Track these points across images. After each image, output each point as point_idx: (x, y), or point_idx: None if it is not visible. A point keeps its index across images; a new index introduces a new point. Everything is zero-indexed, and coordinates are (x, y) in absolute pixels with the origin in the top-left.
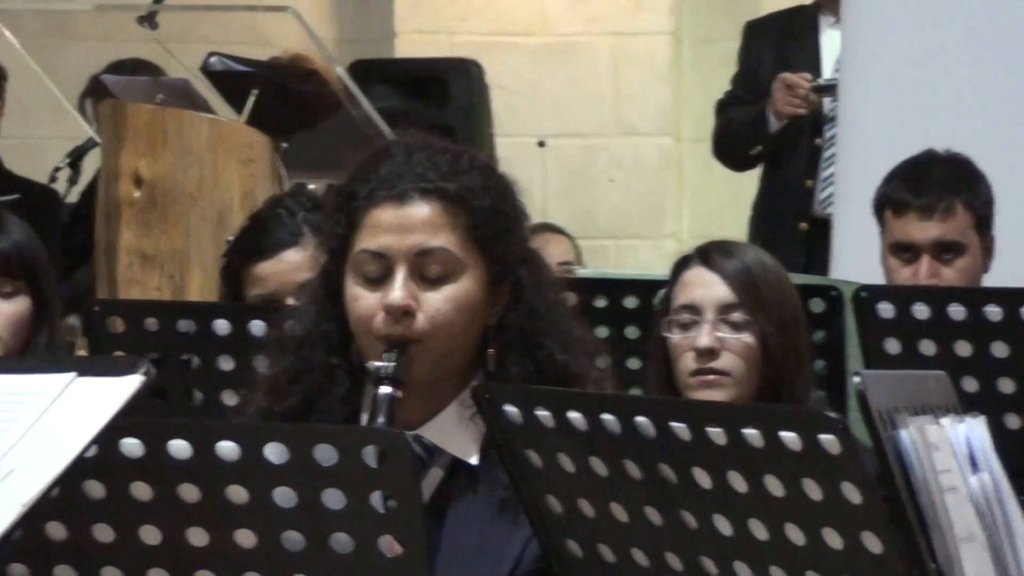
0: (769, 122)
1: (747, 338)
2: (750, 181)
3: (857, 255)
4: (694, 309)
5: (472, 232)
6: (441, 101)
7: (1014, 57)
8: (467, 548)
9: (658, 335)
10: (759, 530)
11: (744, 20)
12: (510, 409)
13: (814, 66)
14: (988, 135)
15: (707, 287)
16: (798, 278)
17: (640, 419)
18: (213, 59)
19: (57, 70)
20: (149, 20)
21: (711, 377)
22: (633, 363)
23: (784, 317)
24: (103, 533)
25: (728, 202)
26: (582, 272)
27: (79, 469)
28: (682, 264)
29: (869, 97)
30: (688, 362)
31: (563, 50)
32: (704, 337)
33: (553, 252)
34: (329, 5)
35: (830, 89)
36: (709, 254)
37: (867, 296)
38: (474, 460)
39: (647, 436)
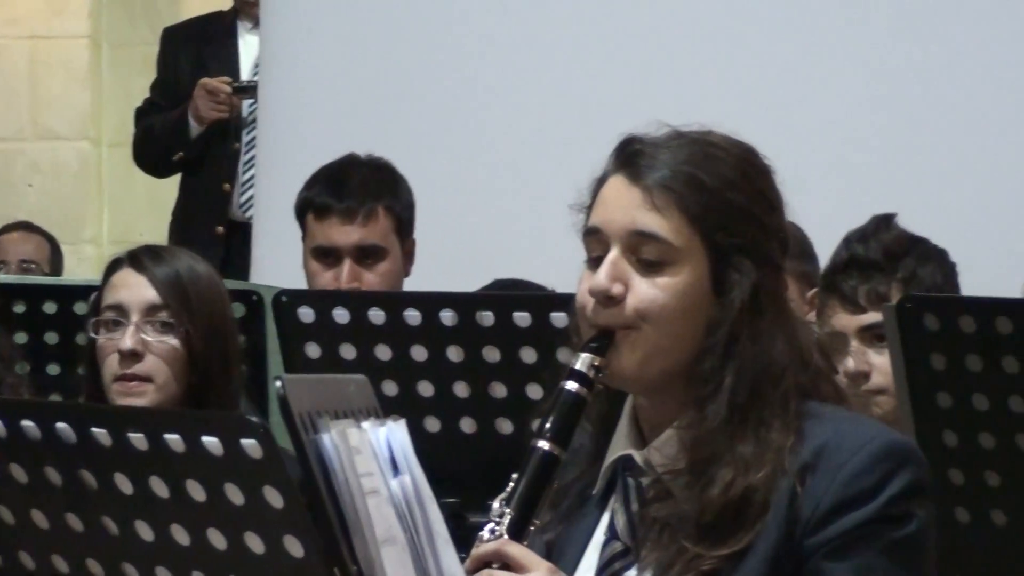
0: (190, 127)
1: (172, 340)
2: (171, 186)
3: (278, 259)
4: (120, 310)
5: None
6: None
7: (481, 62)
8: None
9: (89, 338)
10: (181, 535)
11: (163, 25)
12: None
13: (233, 71)
14: (408, 139)
15: (133, 289)
16: None
17: (60, 425)
18: None
19: None
20: None
21: (132, 384)
22: (53, 369)
23: (214, 322)
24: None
25: (148, 207)
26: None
27: None
28: (112, 267)
29: (288, 101)
30: (113, 365)
31: None
32: (128, 339)
33: (19, 251)
34: None
35: (251, 90)
36: (138, 257)
37: (287, 301)
38: None
39: (67, 442)
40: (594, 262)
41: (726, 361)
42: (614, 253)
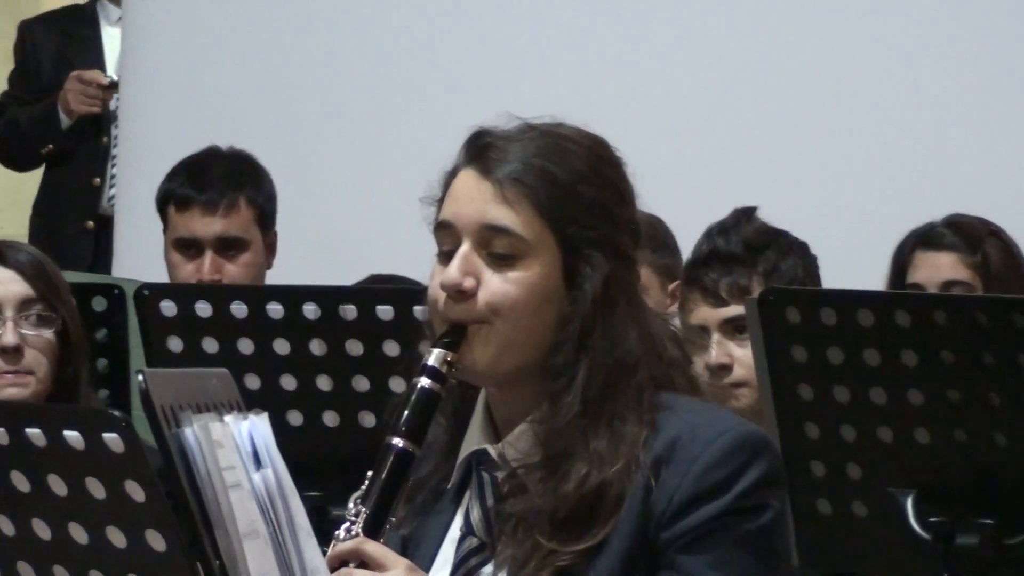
0: (60, 119)
1: (47, 333)
2: (32, 180)
3: (140, 253)
4: None
5: None
6: None
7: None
8: None
9: None
10: (42, 529)
11: (22, 17)
12: None
13: (97, 63)
14: (270, 132)
15: (5, 284)
16: (83, 276)
17: None
18: None
19: None
20: None
21: (14, 377)
22: None
23: (76, 314)
24: None
25: (8, 201)
26: None
27: None
28: None
29: (150, 94)
30: None
31: None
32: (8, 335)
33: None
34: None
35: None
36: (2, 251)
37: (149, 294)
38: None
39: None
40: (445, 256)
41: (579, 355)
42: (465, 247)
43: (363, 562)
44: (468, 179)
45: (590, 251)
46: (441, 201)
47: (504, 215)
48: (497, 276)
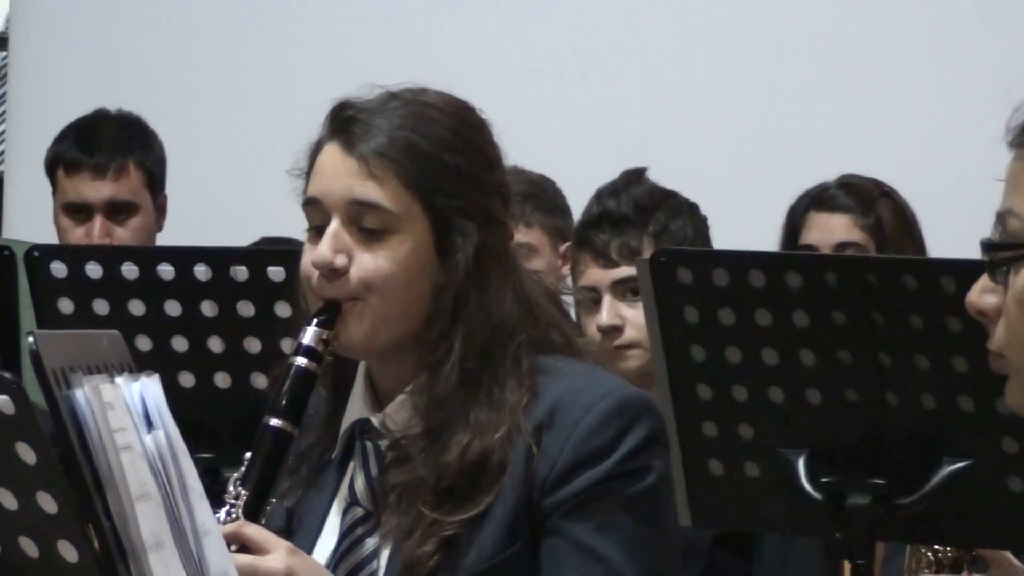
0: None
1: None
2: None
3: (31, 214)
4: None
5: None
6: None
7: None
8: None
9: None
10: None
11: None
12: None
13: None
14: (160, 94)
15: None
16: None
17: None
18: None
19: None
20: None
21: None
22: None
23: None
24: None
25: None
26: None
27: None
28: None
29: (38, 53)
30: None
31: None
32: None
33: None
34: None
35: (3, 42)
36: None
37: (39, 256)
38: None
39: None
40: (316, 232)
41: (455, 325)
42: (335, 225)
43: (244, 546)
44: (333, 154)
45: (460, 220)
46: (308, 174)
47: (371, 190)
48: (368, 252)
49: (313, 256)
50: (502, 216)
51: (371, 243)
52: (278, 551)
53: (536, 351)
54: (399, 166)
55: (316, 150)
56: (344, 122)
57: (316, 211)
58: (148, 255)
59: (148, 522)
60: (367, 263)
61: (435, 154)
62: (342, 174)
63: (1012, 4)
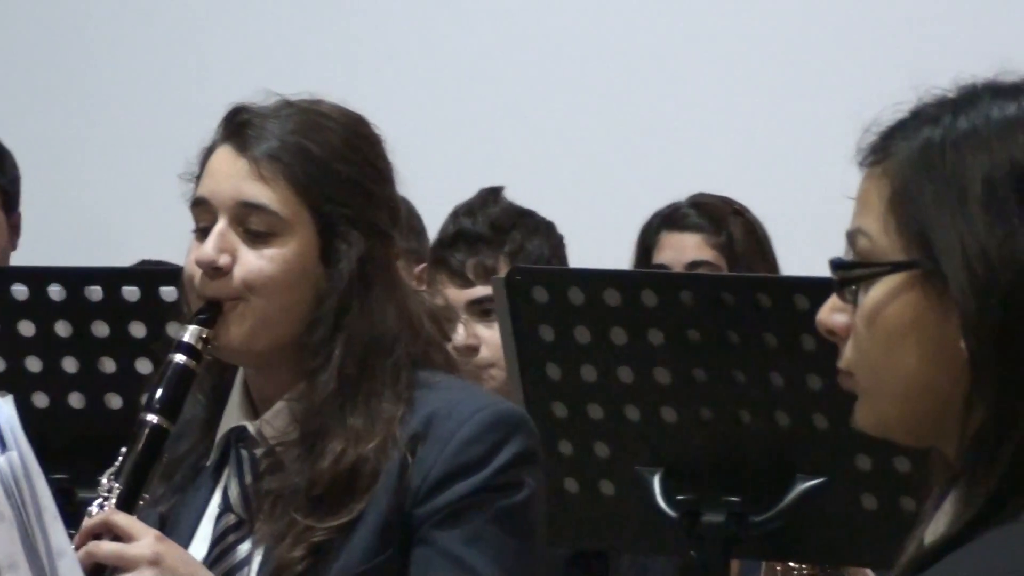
0: None
1: None
2: None
3: None
4: None
5: None
6: None
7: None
8: None
9: None
10: None
11: None
12: None
13: None
14: (11, 109)
15: None
16: None
17: None
18: None
19: None
20: None
21: None
22: None
23: None
24: None
25: None
26: None
27: None
28: None
29: None
30: None
31: None
32: None
33: None
34: None
35: None
36: None
37: None
38: None
39: None
40: (202, 232)
41: (335, 332)
42: (221, 224)
43: (115, 535)
44: (225, 156)
45: (346, 229)
46: (199, 178)
47: (260, 192)
48: (252, 253)
49: (197, 254)
50: (389, 230)
51: (256, 244)
52: (146, 537)
53: (415, 366)
54: (289, 170)
55: (208, 153)
56: (238, 126)
57: (204, 211)
58: (1, 275)
59: (2, 544)
60: (251, 263)
61: (326, 161)
62: (232, 175)
63: (863, 27)
